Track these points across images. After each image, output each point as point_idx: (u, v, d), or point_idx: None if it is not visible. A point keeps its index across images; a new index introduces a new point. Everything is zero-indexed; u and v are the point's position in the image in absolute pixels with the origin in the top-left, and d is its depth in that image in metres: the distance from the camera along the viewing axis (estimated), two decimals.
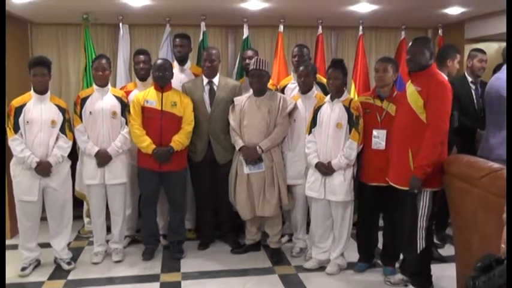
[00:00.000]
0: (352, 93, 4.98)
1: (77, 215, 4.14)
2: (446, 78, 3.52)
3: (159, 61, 4.06)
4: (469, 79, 4.46)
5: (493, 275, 1.72)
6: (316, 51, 5.19)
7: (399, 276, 3.62)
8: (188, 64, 4.57)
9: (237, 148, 3.97)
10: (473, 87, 4.44)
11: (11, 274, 3.81)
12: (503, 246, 1.84)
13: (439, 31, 5.53)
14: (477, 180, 2.74)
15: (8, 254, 4.23)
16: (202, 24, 4.98)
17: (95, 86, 4.04)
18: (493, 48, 5.46)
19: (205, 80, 4.19)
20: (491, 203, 2.56)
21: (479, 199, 2.72)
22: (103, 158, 3.95)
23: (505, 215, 1.88)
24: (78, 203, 4.19)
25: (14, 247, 4.29)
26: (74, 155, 3.98)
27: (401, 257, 3.68)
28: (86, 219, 4.80)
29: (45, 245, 4.04)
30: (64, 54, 5.46)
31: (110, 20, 5.02)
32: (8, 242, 4.57)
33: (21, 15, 4.81)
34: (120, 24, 4.94)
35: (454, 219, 3.19)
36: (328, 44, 5.69)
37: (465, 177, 2.90)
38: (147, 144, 3.90)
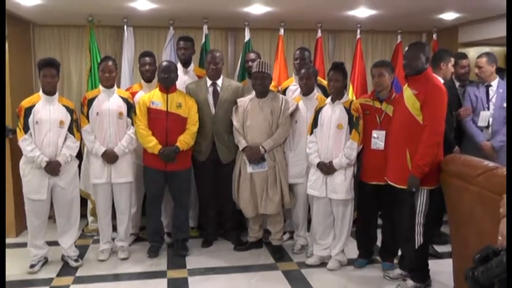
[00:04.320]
0: (350, 95, 5.11)
1: (81, 214, 4.21)
2: (442, 81, 3.65)
3: (165, 63, 4.16)
4: (457, 83, 4.60)
5: (491, 265, 1.80)
6: (315, 54, 5.31)
7: (398, 271, 3.75)
8: (192, 66, 4.66)
9: (241, 148, 4.08)
10: (461, 91, 4.58)
11: (20, 271, 3.89)
12: (500, 238, 1.96)
13: (434, 35, 5.68)
14: (474, 178, 2.87)
15: (15, 251, 4.34)
16: (205, 27, 5.10)
17: (101, 87, 4.12)
18: None
19: (209, 82, 4.29)
20: (487, 199, 2.70)
21: (476, 196, 2.85)
22: (110, 158, 4.04)
23: (501, 210, 2.00)
24: (82, 201, 4.27)
25: (20, 245, 4.39)
26: (78, 154, 4.06)
27: (399, 252, 3.81)
28: (90, 218, 4.89)
29: (52, 243, 4.11)
30: (66, 55, 5.53)
31: (114, 22, 5.10)
32: (13, 240, 4.66)
33: (25, 16, 4.88)
34: (125, 26, 5.02)
35: (451, 216, 3.31)
36: (326, 46, 5.82)
37: (462, 176, 3.03)
38: (153, 144, 3.99)
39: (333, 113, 3.84)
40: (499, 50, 5.48)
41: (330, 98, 3.93)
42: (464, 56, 4.69)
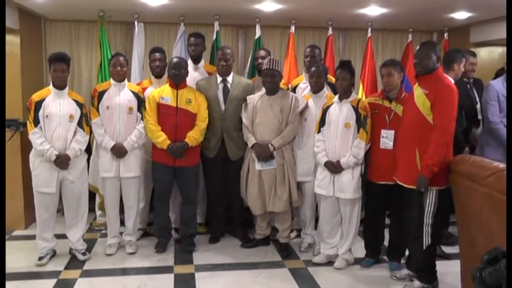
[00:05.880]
0: (360, 93, 5.09)
1: (90, 208, 4.23)
2: (453, 81, 3.63)
3: (175, 59, 4.16)
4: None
5: (499, 266, 1.79)
6: (326, 51, 5.28)
7: (405, 272, 3.73)
8: (202, 62, 4.67)
9: (250, 145, 4.08)
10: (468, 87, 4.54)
11: (28, 263, 3.93)
12: None
13: (445, 34, 5.64)
14: (483, 179, 2.84)
15: (24, 243, 4.39)
16: (216, 23, 5.10)
17: (112, 81, 4.12)
18: (497, 52, 5.59)
19: (219, 79, 4.29)
20: (496, 200, 2.67)
21: (485, 197, 2.82)
22: (119, 152, 4.05)
23: None
24: (90, 195, 4.30)
25: (29, 237, 4.42)
26: (87, 149, 4.08)
27: (407, 253, 3.80)
28: (98, 212, 4.92)
29: (60, 236, 4.14)
30: (76, 50, 5.55)
31: (124, 17, 5.12)
32: (22, 232, 4.71)
33: (36, 11, 4.91)
34: (136, 22, 5.03)
35: (459, 217, 3.29)
36: (336, 44, 5.79)
37: (472, 176, 3.00)
38: (162, 139, 4.01)
39: (341, 112, 3.82)
40: None
41: (337, 97, 3.91)
42: (474, 54, 4.65)
